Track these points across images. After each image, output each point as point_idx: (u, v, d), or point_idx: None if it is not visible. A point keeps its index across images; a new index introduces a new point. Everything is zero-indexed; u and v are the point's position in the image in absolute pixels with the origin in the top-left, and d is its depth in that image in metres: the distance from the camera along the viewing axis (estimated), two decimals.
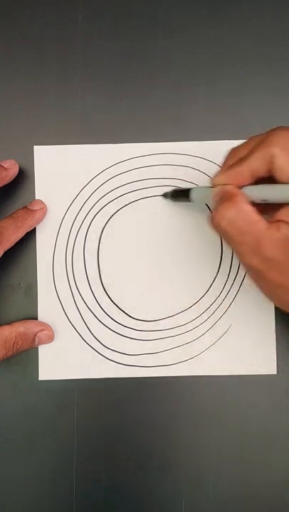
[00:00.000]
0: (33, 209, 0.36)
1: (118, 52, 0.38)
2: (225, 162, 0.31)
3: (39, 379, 0.37)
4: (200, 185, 0.37)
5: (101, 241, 0.38)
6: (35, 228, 0.37)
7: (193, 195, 0.33)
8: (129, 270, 0.37)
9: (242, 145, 0.30)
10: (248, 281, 0.37)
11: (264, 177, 0.28)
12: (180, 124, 0.38)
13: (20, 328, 0.35)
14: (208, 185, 0.33)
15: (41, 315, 0.37)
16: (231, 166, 0.29)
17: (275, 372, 0.37)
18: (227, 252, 0.37)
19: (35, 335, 0.36)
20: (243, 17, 0.38)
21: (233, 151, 0.30)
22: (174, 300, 0.37)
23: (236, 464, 0.37)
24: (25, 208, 0.36)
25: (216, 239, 0.37)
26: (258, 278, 0.29)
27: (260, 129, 0.37)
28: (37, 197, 0.37)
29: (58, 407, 0.37)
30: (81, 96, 0.38)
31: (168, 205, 0.38)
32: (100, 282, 0.37)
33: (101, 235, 0.38)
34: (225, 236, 0.28)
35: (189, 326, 0.37)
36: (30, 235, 0.37)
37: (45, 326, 0.36)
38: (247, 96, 0.38)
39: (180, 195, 0.35)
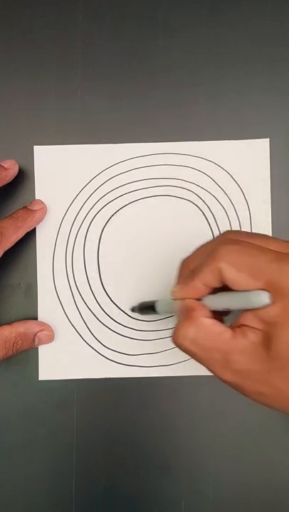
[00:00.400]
0: (33, 209, 0.36)
1: (118, 52, 0.38)
2: (179, 274, 0.30)
3: (39, 379, 0.37)
4: (200, 185, 0.37)
5: (101, 241, 0.38)
6: (35, 228, 0.37)
7: (158, 307, 0.33)
8: (129, 270, 0.37)
9: (192, 256, 0.30)
10: None
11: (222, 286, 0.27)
12: (180, 124, 0.38)
13: (20, 328, 0.35)
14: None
15: (41, 315, 0.37)
16: (186, 280, 0.28)
17: None
18: None
19: (35, 335, 0.36)
20: (243, 17, 0.38)
21: (185, 262, 0.30)
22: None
23: (236, 464, 0.37)
24: (25, 207, 0.36)
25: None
26: (236, 389, 0.27)
27: (260, 129, 0.37)
28: (37, 197, 0.37)
29: (58, 407, 0.37)
30: (81, 96, 0.38)
31: (168, 205, 0.38)
32: (100, 282, 0.37)
33: (101, 235, 0.38)
34: (191, 355, 0.28)
35: None
36: (30, 235, 0.37)
37: (45, 326, 0.36)
38: (247, 96, 0.38)
39: (146, 307, 0.35)
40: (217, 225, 0.37)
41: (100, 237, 0.38)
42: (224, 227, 0.37)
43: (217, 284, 0.27)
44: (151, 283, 0.37)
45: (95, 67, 0.38)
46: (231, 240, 0.28)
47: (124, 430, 0.37)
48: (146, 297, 0.37)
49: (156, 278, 0.37)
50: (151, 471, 0.37)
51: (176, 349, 0.37)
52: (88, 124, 0.38)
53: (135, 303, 0.36)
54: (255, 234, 0.28)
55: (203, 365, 0.28)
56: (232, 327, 0.27)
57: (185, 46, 0.38)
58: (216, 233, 0.37)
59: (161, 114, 0.38)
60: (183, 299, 0.29)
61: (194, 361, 0.37)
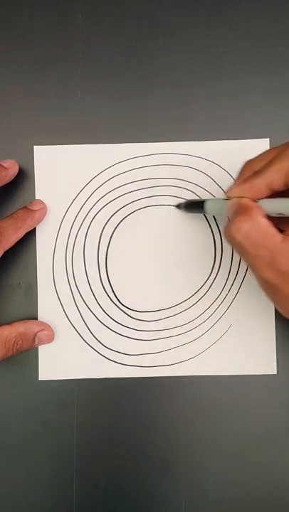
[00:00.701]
0: (33, 209, 0.36)
1: (118, 52, 0.38)
2: (240, 174, 0.30)
3: (39, 379, 0.37)
4: (200, 185, 0.37)
5: (101, 241, 0.38)
6: (35, 228, 0.37)
7: (207, 206, 0.33)
8: (130, 270, 0.37)
9: (258, 157, 0.30)
10: (248, 281, 0.37)
11: (280, 190, 0.28)
12: (180, 124, 0.38)
13: (20, 328, 0.35)
14: (221, 195, 0.33)
15: (41, 315, 0.37)
16: (247, 179, 0.29)
17: (275, 372, 0.37)
18: (227, 252, 0.37)
19: (35, 335, 0.36)
20: (243, 17, 0.38)
21: (249, 163, 0.30)
22: (174, 300, 0.37)
23: (236, 463, 0.37)
24: (25, 207, 0.36)
25: (216, 237, 0.37)
26: (272, 291, 0.28)
27: (260, 129, 0.37)
28: (37, 197, 0.37)
29: (58, 407, 0.37)
30: (81, 96, 0.38)
31: (168, 205, 0.38)
32: (100, 282, 0.37)
33: (101, 235, 0.38)
34: (239, 249, 0.28)
35: (189, 326, 0.37)
36: (30, 235, 0.37)
37: (45, 326, 0.36)
38: (247, 96, 0.38)
39: (194, 206, 0.35)
40: (217, 224, 0.37)
41: (100, 237, 0.38)
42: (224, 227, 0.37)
43: (281, 186, 0.27)
44: (151, 282, 0.37)
45: (95, 67, 0.38)
46: None
47: (124, 430, 0.37)
48: (147, 297, 0.37)
49: (157, 277, 0.37)
50: (151, 471, 0.37)
51: (176, 349, 0.37)
52: (88, 124, 0.38)
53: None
54: None
55: (247, 261, 0.28)
56: (284, 233, 0.27)
57: (185, 46, 0.38)
58: (216, 233, 0.37)
59: (161, 114, 0.38)
60: (240, 197, 0.29)
61: (194, 361, 0.37)
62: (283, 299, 0.28)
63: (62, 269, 0.37)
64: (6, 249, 0.35)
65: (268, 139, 0.37)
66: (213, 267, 0.37)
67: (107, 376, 0.37)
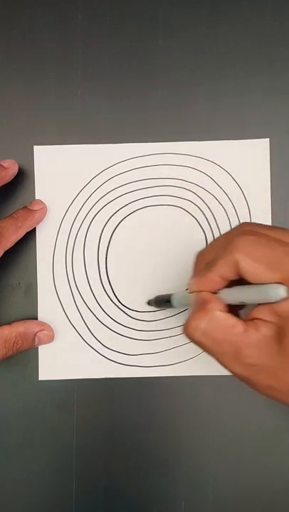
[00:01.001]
0: (33, 209, 0.36)
1: (118, 52, 0.38)
2: (194, 266, 0.30)
3: (39, 379, 0.37)
4: (200, 185, 0.37)
5: (101, 241, 0.38)
6: (35, 228, 0.37)
7: (174, 301, 0.33)
8: (130, 270, 0.37)
9: (208, 248, 0.30)
10: None
11: (238, 279, 0.27)
12: (180, 124, 0.38)
13: (20, 328, 0.35)
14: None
15: (41, 315, 0.37)
16: (202, 273, 0.28)
17: None
18: None
19: (35, 335, 0.36)
20: (243, 17, 0.38)
21: (200, 255, 0.30)
22: None
23: (236, 464, 0.37)
24: (25, 207, 0.36)
25: (216, 237, 0.37)
26: (247, 383, 0.27)
27: (260, 129, 0.37)
28: (37, 197, 0.37)
29: (58, 407, 0.37)
30: (81, 96, 0.38)
31: (168, 205, 0.38)
32: (100, 282, 0.37)
33: (101, 235, 0.38)
34: (201, 347, 0.27)
35: None
36: (30, 235, 0.37)
37: (45, 326, 0.36)
38: (247, 96, 0.38)
39: (162, 301, 0.35)
40: (217, 224, 0.37)
41: (100, 237, 0.38)
42: (224, 227, 0.37)
43: (233, 277, 0.27)
44: (151, 282, 0.37)
45: (95, 67, 0.38)
46: (248, 231, 0.27)
47: (124, 430, 0.37)
48: (147, 297, 0.37)
49: (157, 277, 0.37)
50: (151, 471, 0.37)
51: (176, 349, 0.37)
52: (88, 124, 0.38)
53: (150, 297, 0.37)
54: (272, 226, 0.28)
55: (214, 357, 0.27)
56: (245, 320, 0.27)
57: (185, 46, 0.38)
58: (216, 234, 0.37)
59: (161, 114, 0.38)
60: (198, 291, 0.28)
61: (194, 361, 0.37)
62: (259, 388, 0.27)
63: (62, 269, 0.37)
64: (6, 249, 0.35)
65: (267, 139, 0.37)
66: None
67: (107, 376, 0.37)
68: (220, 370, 0.37)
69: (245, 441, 0.37)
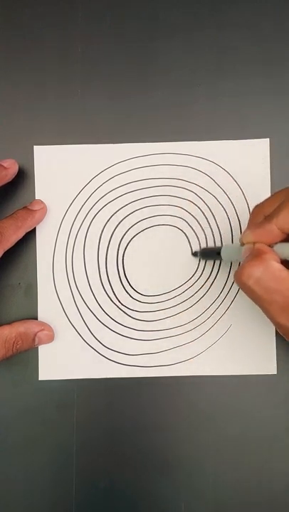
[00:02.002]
0: (33, 209, 0.36)
1: (118, 52, 0.38)
2: (251, 220, 0.30)
3: (39, 379, 0.37)
4: (200, 185, 0.37)
5: (101, 241, 0.38)
6: (35, 228, 0.37)
7: (223, 254, 0.33)
8: (130, 270, 0.37)
9: (266, 201, 0.30)
10: None
11: None
12: (180, 124, 0.38)
13: (20, 328, 0.35)
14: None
15: (41, 315, 0.37)
16: (260, 224, 0.28)
17: (275, 372, 0.37)
18: None
19: (35, 335, 0.36)
20: (243, 17, 0.38)
21: (258, 208, 0.30)
22: (174, 300, 0.37)
23: (236, 464, 0.37)
24: (25, 207, 0.36)
25: (216, 237, 0.37)
26: (287, 335, 0.28)
27: (260, 129, 0.37)
28: (37, 197, 0.37)
29: (58, 407, 0.37)
30: (81, 96, 0.38)
31: (168, 205, 0.38)
32: (100, 282, 0.37)
33: (101, 235, 0.38)
34: (251, 294, 0.28)
35: (189, 326, 0.37)
36: (30, 235, 0.37)
37: (45, 326, 0.36)
38: (247, 96, 0.38)
39: (210, 253, 0.35)
40: (217, 224, 0.37)
41: (100, 237, 0.38)
42: (224, 227, 0.37)
43: None
44: (151, 282, 0.37)
45: (95, 67, 0.38)
46: None
47: (124, 430, 0.37)
48: (146, 297, 0.37)
49: (157, 277, 0.37)
50: (151, 472, 0.37)
51: (176, 349, 0.37)
52: (88, 124, 0.38)
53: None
54: None
55: (261, 306, 0.28)
56: None
57: (185, 46, 0.38)
58: (216, 234, 0.37)
59: (161, 114, 0.38)
60: (255, 242, 0.28)
61: (194, 361, 0.37)
62: None
63: (63, 269, 0.37)
64: (6, 249, 0.35)
65: (267, 139, 0.37)
66: (213, 267, 0.37)
67: (107, 376, 0.37)
68: (220, 370, 0.37)
69: (246, 442, 0.37)
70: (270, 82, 0.38)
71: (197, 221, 0.38)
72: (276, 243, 0.28)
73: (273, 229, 0.28)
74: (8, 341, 0.35)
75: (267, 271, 0.27)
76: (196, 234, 0.37)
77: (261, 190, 0.37)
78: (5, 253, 0.35)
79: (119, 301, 0.37)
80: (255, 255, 0.28)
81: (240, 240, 0.30)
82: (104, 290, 0.37)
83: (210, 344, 0.37)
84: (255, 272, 0.27)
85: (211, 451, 0.37)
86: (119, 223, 0.38)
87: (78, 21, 0.38)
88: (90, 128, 0.38)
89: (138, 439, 0.37)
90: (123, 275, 0.37)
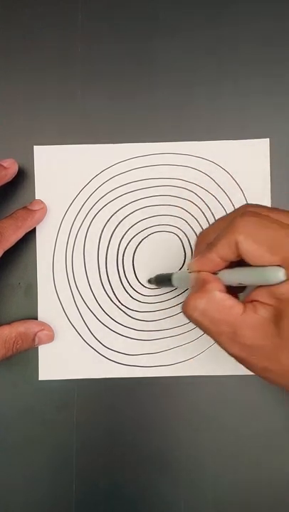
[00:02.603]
0: (33, 209, 0.36)
1: (118, 52, 0.38)
2: (196, 247, 0.30)
3: (39, 379, 0.37)
4: (200, 185, 0.37)
5: (101, 241, 0.38)
6: (35, 228, 0.37)
7: (174, 280, 0.33)
8: (129, 270, 0.37)
9: (210, 228, 0.29)
10: None
11: (238, 260, 0.27)
12: (180, 124, 0.38)
13: (20, 328, 0.35)
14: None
15: (41, 315, 0.37)
16: (203, 253, 0.28)
17: None
18: None
19: (35, 335, 0.36)
20: (243, 17, 0.38)
21: (202, 236, 0.30)
22: (174, 300, 0.37)
23: (236, 464, 0.37)
24: (25, 207, 0.36)
25: None
26: (243, 364, 0.27)
27: (260, 129, 0.37)
28: (37, 197, 0.37)
29: (58, 407, 0.37)
30: (81, 96, 0.38)
31: (168, 205, 0.38)
32: (100, 282, 0.37)
33: (101, 235, 0.38)
34: (200, 326, 0.27)
35: (189, 326, 0.37)
36: (30, 235, 0.37)
37: (45, 326, 0.36)
38: (247, 96, 0.38)
39: (163, 279, 0.35)
40: None
41: (100, 237, 0.38)
42: None
43: (233, 258, 0.27)
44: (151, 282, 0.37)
45: (95, 67, 0.38)
46: (250, 212, 0.27)
47: (124, 430, 0.37)
48: (147, 297, 0.37)
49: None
50: (151, 471, 0.37)
51: (176, 349, 0.37)
52: (88, 124, 0.38)
53: (152, 275, 0.37)
54: (275, 208, 0.28)
55: (211, 337, 0.27)
56: (244, 302, 0.27)
57: (185, 46, 0.38)
58: None
59: (161, 114, 0.38)
60: (198, 271, 0.28)
61: (194, 361, 0.37)
62: (255, 370, 0.27)
63: (63, 269, 0.37)
64: (5, 250, 0.35)
65: (267, 139, 0.37)
66: None
67: (107, 376, 0.37)
68: (220, 370, 0.37)
69: (245, 442, 0.37)
70: (271, 83, 0.38)
71: (197, 221, 0.38)
72: (220, 270, 0.28)
73: (214, 257, 0.27)
74: (8, 341, 0.35)
75: (211, 302, 0.27)
76: (196, 234, 0.37)
77: (261, 190, 0.37)
78: (5, 253, 0.35)
79: (119, 301, 0.37)
80: (200, 286, 0.27)
81: (188, 267, 0.30)
82: (104, 290, 0.37)
83: (210, 344, 0.37)
84: (200, 304, 0.27)
85: (210, 451, 0.37)
86: (119, 223, 0.38)
87: (78, 21, 0.38)
88: (90, 128, 0.38)
89: (138, 439, 0.37)
90: (123, 275, 0.37)
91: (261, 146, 0.37)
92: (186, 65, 0.38)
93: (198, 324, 0.27)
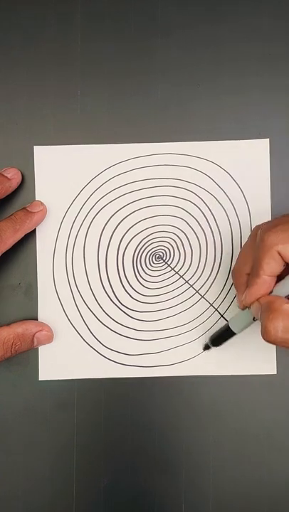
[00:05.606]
0: (33, 211, 0.36)
1: (118, 52, 0.38)
2: (237, 283, 0.32)
3: (39, 379, 0.37)
4: (200, 185, 0.37)
5: (101, 241, 0.38)
6: (35, 229, 0.37)
7: (233, 327, 0.33)
8: (129, 270, 0.37)
9: (239, 261, 0.31)
10: None
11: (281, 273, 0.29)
12: (180, 124, 0.38)
13: (18, 329, 0.35)
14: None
15: (41, 315, 0.37)
16: (251, 282, 0.29)
17: (275, 372, 0.37)
18: (227, 251, 0.37)
19: (34, 335, 0.36)
20: (242, 16, 0.38)
21: (236, 270, 0.32)
22: (174, 300, 0.37)
23: (236, 464, 0.37)
24: (24, 209, 0.36)
25: (216, 237, 0.37)
26: None
27: (260, 129, 0.37)
28: (37, 197, 0.37)
29: (58, 407, 0.37)
30: (81, 96, 0.38)
31: (168, 205, 0.38)
32: (100, 282, 0.37)
33: (101, 235, 0.38)
34: (287, 345, 0.28)
35: (189, 326, 0.37)
36: (30, 235, 0.37)
37: (44, 327, 0.36)
38: (247, 96, 0.38)
39: (220, 335, 0.35)
40: (217, 224, 0.37)
41: (100, 237, 0.38)
42: (224, 228, 0.37)
43: (280, 269, 0.28)
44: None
45: (95, 67, 0.38)
46: (267, 226, 0.29)
47: (124, 430, 0.37)
48: (147, 297, 0.37)
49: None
50: (152, 471, 0.37)
51: (176, 349, 0.37)
52: (88, 124, 0.38)
53: (206, 340, 0.37)
54: (276, 218, 0.30)
55: None
56: None
57: (185, 45, 0.38)
58: (216, 234, 0.37)
59: (161, 114, 0.38)
60: (256, 300, 0.30)
61: (194, 361, 0.37)
62: None
63: (63, 269, 0.37)
64: (3, 252, 0.35)
65: (267, 139, 0.37)
66: (213, 266, 0.37)
67: (107, 376, 0.37)
68: (220, 370, 0.37)
69: (245, 441, 0.37)
70: (270, 82, 0.38)
71: (197, 221, 0.38)
72: (273, 288, 0.30)
73: (265, 279, 0.29)
74: (7, 343, 0.34)
75: (286, 316, 0.27)
76: (196, 234, 0.37)
77: (261, 190, 0.37)
78: (5, 253, 0.35)
79: (119, 301, 0.37)
80: (266, 309, 0.28)
81: (240, 305, 0.32)
82: (104, 290, 0.37)
83: None
84: (277, 324, 0.27)
85: (211, 451, 0.37)
86: (120, 223, 0.38)
87: (78, 21, 0.38)
88: (90, 128, 0.38)
89: (138, 438, 0.37)
90: (123, 275, 0.37)
91: (261, 146, 0.37)
92: (186, 65, 0.38)
93: (285, 343, 0.28)
